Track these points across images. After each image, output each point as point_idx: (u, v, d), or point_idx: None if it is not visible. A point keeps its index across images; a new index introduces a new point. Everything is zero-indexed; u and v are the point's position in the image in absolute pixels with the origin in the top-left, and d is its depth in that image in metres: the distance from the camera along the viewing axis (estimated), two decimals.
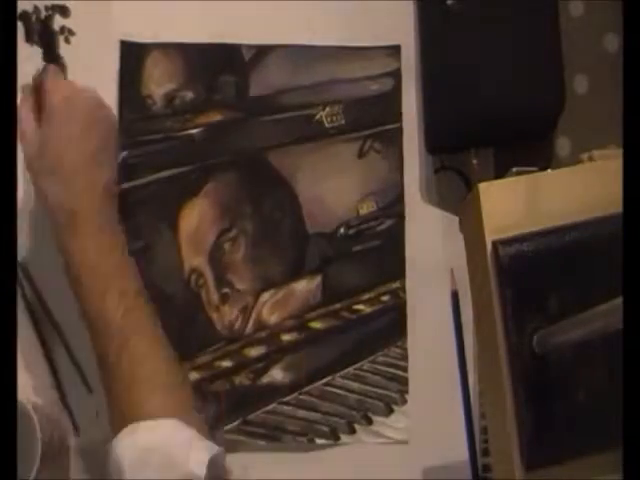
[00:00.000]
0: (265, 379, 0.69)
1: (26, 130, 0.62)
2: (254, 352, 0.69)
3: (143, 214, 0.69)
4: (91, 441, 0.67)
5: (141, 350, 0.59)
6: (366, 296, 0.70)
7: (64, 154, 0.61)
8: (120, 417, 0.57)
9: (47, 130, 0.62)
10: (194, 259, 0.69)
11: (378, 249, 0.71)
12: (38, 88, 0.63)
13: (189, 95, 0.71)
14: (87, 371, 0.67)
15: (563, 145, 0.73)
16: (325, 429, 0.69)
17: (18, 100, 0.63)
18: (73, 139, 0.62)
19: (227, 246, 0.70)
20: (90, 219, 0.61)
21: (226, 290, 0.69)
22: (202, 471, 0.54)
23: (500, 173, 0.54)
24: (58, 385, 0.67)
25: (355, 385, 0.69)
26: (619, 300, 0.39)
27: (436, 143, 0.72)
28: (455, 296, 0.60)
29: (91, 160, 0.62)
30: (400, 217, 0.71)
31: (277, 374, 0.69)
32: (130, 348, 0.59)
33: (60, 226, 0.61)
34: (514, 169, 0.53)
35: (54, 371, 0.67)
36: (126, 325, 0.59)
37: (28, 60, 0.69)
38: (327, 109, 0.72)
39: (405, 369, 0.70)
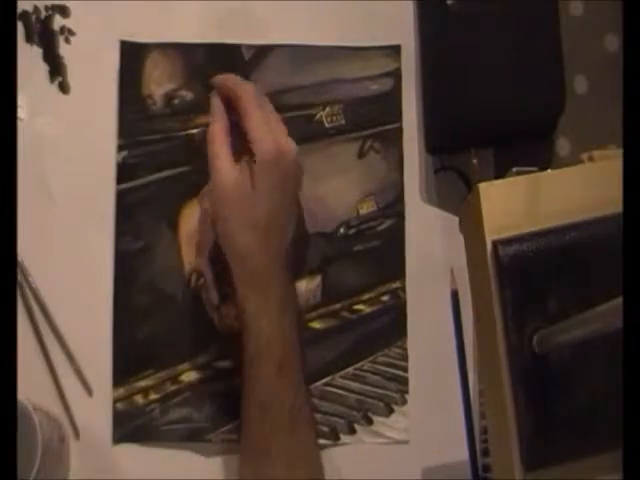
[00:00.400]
0: None
1: (224, 167, 0.61)
2: None
3: (143, 214, 0.69)
4: (91, 442, 0.67)
5: (305, 439, 0.60)
6: (366, 296, 0.70)
7: (263, 210, 0.60)
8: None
9: (254, 180, 0.60)
10: (194, 259, 0.69)
11: (378, 249, 0.71)
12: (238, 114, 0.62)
13: (189, 95, 0.71)
14: (87, 371, 0.67)
15: (563, 145, 0.73)
16: (325, 429, 0.68)
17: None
18: (274, 195, 0.60)
19: None
20: (273, 277, 0.60)
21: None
22: None
23: (500, 173, 0.54)
24: (58, 385, 0.67)
25: (355, 385, 0.69)
26: (619, 300, 0.39)
27: (436, 143, 0.72)
28: (455, 296, 0.60)
29: (286, 214, 0.62)
30: (400, 217, 0.71)
31: None
32: (297, 435, 0.59)
33: (243, 281, 0.60)
34: (514, 169, 0.52)
35: (54, 371, 0.67)
36: (296, 412, 0.59)
37: (28, 60, 0.69)
38: (327, 109, 0.72)
39: (405, 369, 0.70)
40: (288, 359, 0.60)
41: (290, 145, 0.62)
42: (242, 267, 0.61)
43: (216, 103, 0.63)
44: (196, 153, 0.70)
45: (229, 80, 0.64)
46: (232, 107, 0.63)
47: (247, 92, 0.62)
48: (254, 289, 0.60)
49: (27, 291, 0.68)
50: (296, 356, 0.61)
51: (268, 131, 0.61)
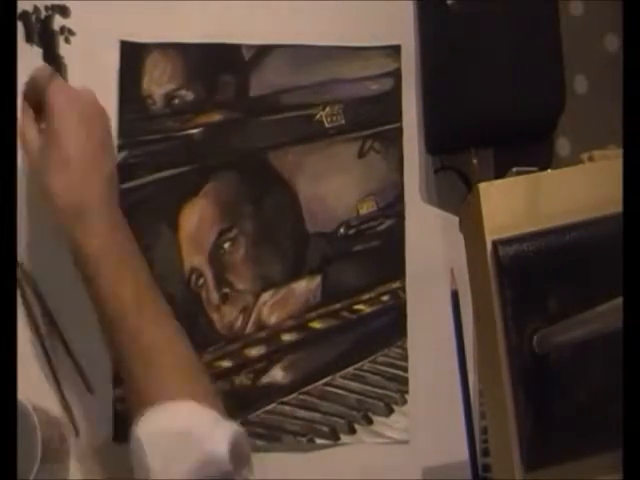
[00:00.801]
0: (265, 379, 0.69)
1: (27, 133, 0.62)
2: (254, 352, 0.69)
3: (143, 214, 0.69)
4: (91, 441, 0.67)
5: (159, 337, 0.59)
6: (366, 296, 0.70)
7: (68, 150, 0.61)
8: (139, 404, 0.57)
9: (49, 130, 0.62)
10: (194, 259, 0.69)
11: (378, 249, 0.71)
12: (35, 90, 0.63)
13: (189, 95, 0.71)
14: (87, 371, 0.67)
15: (563, 145, 0.73)
16: (325, 429, 0.68)
17: (18, 102, 0.63)
18: (76, 134, 0.61)
19: (227, 246, 0.70)
20: (99, 209, 0.61)
21: (226, 290, 0.69)
22: (224, 449, 0.54)
23: (500, 173, 0.54)
24: (58, 385, 0.67)
25: (355, 385, 0.69)
26: (619, 300, 0.39)
27: (436, 143, 0.72)
28: (455, 296, 0.60)
29: (96, 151, 0.62)
30: (400, 217, 0.71)
31: (277, 374, 0.69)
32: (148, 335, 0.58)
33: (69, 221, 0.60)
34: (514, 169, 0.53)
35: (54, 371, 0.67)
36: (143, 314, 0.59)
37: (28, 60, 0.69)
38: (327, 109, 0.72)
39: (405, 369, 0.70)
40: (124, 265, 0.60)
41: (82, 90, 0.63)
42: (61, 208, 0.61)
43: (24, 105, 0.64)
44: (196, 153, 0.70)
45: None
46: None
47: (41, 71, 0.64)
48: (77, 223, 0.60)
49: (27, 291, 0.68)
50: (134, 260, 0.62)
51: (56, 81, 0.63)
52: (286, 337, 0.69)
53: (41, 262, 0.68)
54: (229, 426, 0.56)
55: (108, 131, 0.65)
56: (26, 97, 0.64)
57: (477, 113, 0.68)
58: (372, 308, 0.70)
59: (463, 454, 0.61)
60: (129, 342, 0.59)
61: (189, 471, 0.54)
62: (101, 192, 0.61)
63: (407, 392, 0.70)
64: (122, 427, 0.67)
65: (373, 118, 0.72)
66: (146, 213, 0.69)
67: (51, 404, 0.66)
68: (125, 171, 0.69)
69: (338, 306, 0.70)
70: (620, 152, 0.48)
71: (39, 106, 0.63)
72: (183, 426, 0.56)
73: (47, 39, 0.70)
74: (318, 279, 0.70)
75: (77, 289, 0.68)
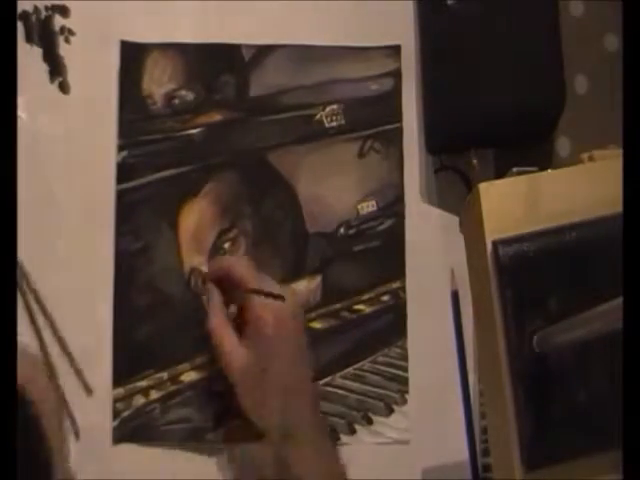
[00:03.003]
0: None
1: (229, 343, 0.62)
2: None
3: (143, 214, 0.69)
4: (91, 442, 0.67)
5: None
6: (366, 296, 0.70)
7: (286, 378, 0.60)
8: None
9: (259, 347, 0.60)
10: (194, 259, 0.69)
11: (378, 249, 0.71)
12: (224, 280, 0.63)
13: (189, 95, 0.71)
14: (87, 372, 0.67)
15: (563, 145, 0.73)
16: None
17: None
18: (291, 361, 0.61)
19: (227, 246, 0.70)
20: (312, 435, 0.60)
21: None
22: None
23: (500, 173, 0.54)
24: (57, 386, 0.67)
25: (355, 385, 0.69)
26: (619, 300, 0.39)
27: (436, 143, 0.72)
28: (455, 296, 0.60)
29: (303, 376, 0.62)
30: (400, 217, 0.71)
31: None
32: None
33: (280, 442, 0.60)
34: (514, 169, 0.53)
35: (54, 371, 0.67)
36: None
37: (28, 60, 0.69)
38: (327, 109, 0.72)
39: (405, 369, 0.70)
40: None
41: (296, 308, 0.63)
42: (281, 432, 0.60)
43: (214, 294, 0.64)
44: (196, 153, 0.70)
45: (222, 261, 0.66)
46: (228, 284, 0.64)
47: (240, 265, 0.64)
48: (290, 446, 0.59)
49: (27, 291, 0.67)
50: None
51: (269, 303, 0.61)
52: None
53: (41, 262, 0.68)
54: None
55: (302, 337, 0.63)
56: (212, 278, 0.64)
57: (477, 113, 0.68)
58: (372, 308, 0.70)
59: (463, 454, 0.61)
60: None
61: None
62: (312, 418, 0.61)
63: (407, 392, 0.70)
64: (122, 427, 0.67)
65: (373, 118, 0.72)
66: (146, 213, 0.69)
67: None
68: (125, 171, 0.69)
69: (338, 306, 0.70)
70: (620, 152, 0.48)
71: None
72: None
73: (47, 39, 0.70)
74: (318, 279, 0.70)
75: (77, 289, 0.68)
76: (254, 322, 0.61)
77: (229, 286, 0.64)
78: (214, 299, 0.64)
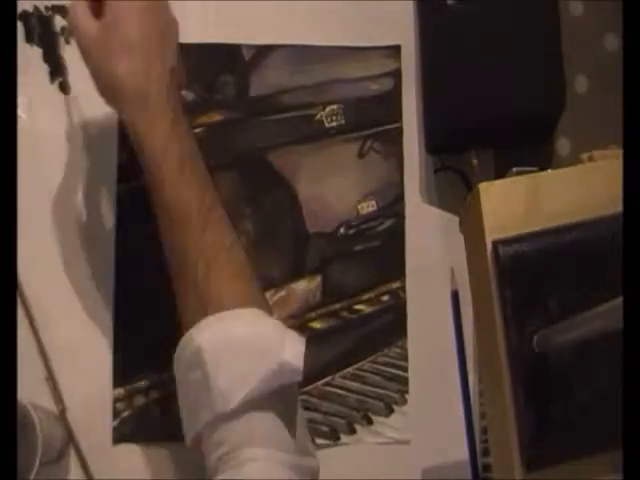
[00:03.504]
0: None
1: (80, 18, 0.58)
2: None
3: (144, 214, 0.69)
4: (91, 442, 0.67)
5: (220, 239, 0.57)
6: (366, 296, 0.70)
7: (131, 34, 0.58)
8: (199, 309, 0.54)
9: (110, 15, 0.57)
10: None
11: (378, 249, 0.71)
12: None
13: (189, 95, 0.71)
14: (87, 372, 0.67)
15: (563, 145, 0.73)
16: (325, 429, 0.68)
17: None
18: (138, 21, 0.58)
19: None
20: (164, 99, 0.58)
21: None
22: (300, 362, 0.52)
23: (500, 173, 0.54)
24: (58, 385, 0.67)
25: (355, 385, 0.69)
26: (619, 300, 0.39)
27: (436, 143, 0.72)
28: (455, 296, 0.60)
29: (160, 40, 0.59)
30: (400, 217, 0.71)
31: None
32: (211, 235, 0.56)
33: (133, 108, 0.58)
34: (514, 169, 0.53)
35: (54, 371, 0.67)
36: (207, 215, 0.57)
37: (28, 60, 0.69)
38: (327, 109, 0.72)
39: (405, 369, 0.70)
40: (188, 161, 0.58)
41: None
42: (125, 92, 0.58)
43: None
44: None
45: None
46: None
47: None
48: (142, 111, 0.58)
49: (26, 291, 0.67)
50: (197, 161, 0.59)
51: None
52: None
53: (41, 262, 0.68)
54: (297, 335, 0.54)
55: (172, 27, 0.61)
56: None
57: (477, 113, 0.68)
58: (372, 308, 0.70)
59: (463, 454, 0.61)
60: (192, 243, 0.56)
61: (260, 379, 0.52)
62: (166, 82, 0.58)
63: (407, 392, 0.70)
64: (122, 427, 0.67)
65: (373, 118, 0.72)
66: (146, 213, 0.69)
67: (51, 404, 0.66)
68: (126, 171, 0.69)
69: (338, 306, 0.70)
70: (620, 152, 0.48)
71: None
72: (253, 333, 0.53)
73: (47, 39, 0.70)
74: (318, 279, 0.70)
75: (77, 289, 0.68)
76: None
77: None
78: None
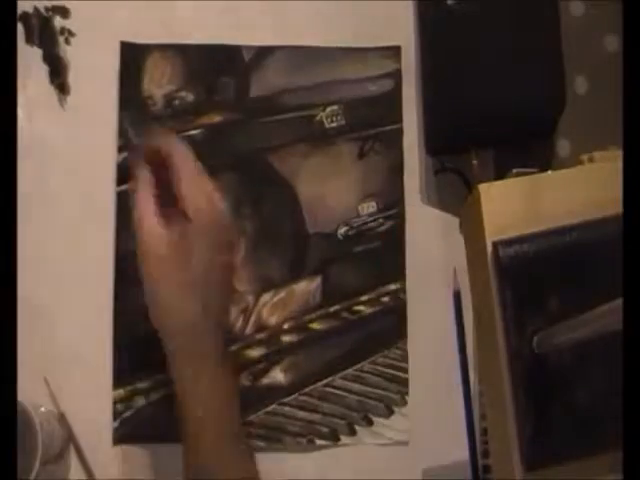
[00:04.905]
0: (265, 380, 0.69)
1: (147, 218, 0.57)
2: (254, 353, 0.69)
3: None
4: (91, 441, 0.67)
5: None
6: (366, 297, 0.70)
7: (206, 272, 0.57)
8: None
9: (187, 241, 0.57)
10: None
11: (378, 250, 0.71)
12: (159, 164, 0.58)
13: (189, 96, 0.71)
14: (87, 372, 0.67)
15: (563, 146, 0.73)
16: (325, 430, 0.68)
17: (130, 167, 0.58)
18: (213, 259, 0.58)
19: None
20: (215, 358, 0.58)
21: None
22: None
23: (500, 174, 0.54)
24: (58, 385, 0.67)
25: (355, 386, 0.69)
26: (619, 301, 0.39)
27: (436, 144, 0.71)
28: (457, 296, 0.60)
29: (221, 279, 0.59)
30: (400, 218, 0.71)
31: (277, 375, 0.69)
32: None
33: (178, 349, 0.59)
34: (514, 170, 0.53)
35: (53, 371, 0.67)
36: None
37: (28, 60, 0.69)
38: (327, 110, 0.72)
39: (405, 370, 0.70)
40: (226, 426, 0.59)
41: (222, 205, 0.59)
42: (180, 332, 0.58)
43: (142, 171, 0.59)
44: (196, 154, 0.70)
45: (162, 136, 0.62)
46: (163, 165, 0.59)
47: (179, 151, 0.59)
48: (193, 355, 0.58)
49: (26, 291, 0.67)
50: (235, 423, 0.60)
51: (200, 190, 0.58)
52: (286, 338, 0.69)
53: (41, 262, 0.68)
54: None
55: (231, 256, 0.61)
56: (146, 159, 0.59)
57: (477, 113, 0.68)
58: (372, 309, 0.70)
59: (463, 455, 0.61)
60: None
61: None
62: (221, 334, 0.59)
63: (407, 393, 0.70)
64: (122, 427, 0.67)
65: (373, 119, 0.72)
66: None
67: (51, 404, 0.66)
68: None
69: (338, 307, 0.70)
70: (620, 153, 0.48)
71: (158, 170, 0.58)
72: None
73: (47, 40, 0.70)
74: (318, 280, 0.70)
75: (77, 289, 0.68)
76: (181, 210, 0.57)
77: (163, 168, 0.59)
78: (142, 175, 0.59)
